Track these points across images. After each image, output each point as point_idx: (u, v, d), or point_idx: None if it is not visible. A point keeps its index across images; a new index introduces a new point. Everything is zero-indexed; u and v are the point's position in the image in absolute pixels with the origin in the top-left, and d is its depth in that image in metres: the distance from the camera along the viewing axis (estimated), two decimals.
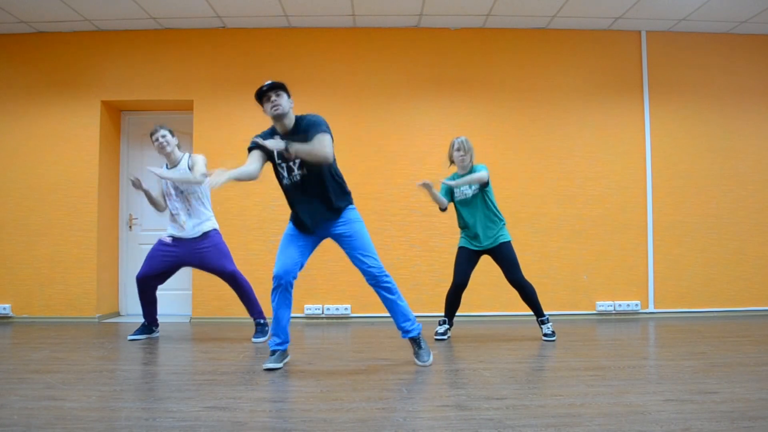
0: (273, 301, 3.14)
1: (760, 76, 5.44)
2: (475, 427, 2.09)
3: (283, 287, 3.11)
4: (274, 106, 3.02)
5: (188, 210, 3.97)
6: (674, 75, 5.39)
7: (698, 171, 5.36)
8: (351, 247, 3.17)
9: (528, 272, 4.79)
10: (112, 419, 2.20)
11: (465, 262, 4.00)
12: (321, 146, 2.91)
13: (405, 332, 3.24)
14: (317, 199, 3.10)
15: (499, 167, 5.22)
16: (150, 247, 5.35)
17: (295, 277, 3.14)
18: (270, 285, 4.98)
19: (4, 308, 5.08)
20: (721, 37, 5.44)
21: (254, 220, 5.13)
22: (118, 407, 2.37)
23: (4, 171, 5.19)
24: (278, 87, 3.04)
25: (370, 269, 3.13)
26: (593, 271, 5.25)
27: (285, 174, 3.09)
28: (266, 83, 3.05)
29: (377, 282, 3.16)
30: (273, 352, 3.16)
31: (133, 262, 5.54)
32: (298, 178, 3.07)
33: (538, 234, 5.22)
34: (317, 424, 2.15)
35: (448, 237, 5.17)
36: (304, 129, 3.03)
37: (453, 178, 3.99)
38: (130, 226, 5.60)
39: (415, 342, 3.24)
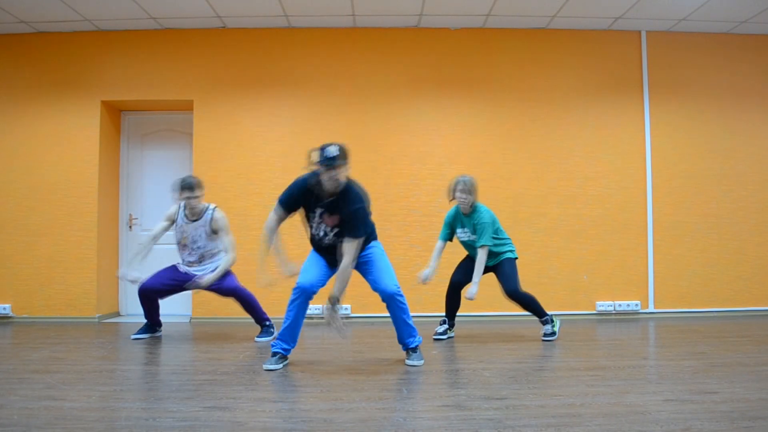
0: (291, 310, 3.14)
1: (760, 76, 5.43)
2: (475, 427, 2.09)
3: (303, 299, 3.13)
4: (332, 179, 2.92)
5: (202, 260, 4.10)
6: (674, 75, 5.39)
7: (698, 171, 5.35)
8: (368, 272, 3.21)
9: (528, 272, 4.81)
10: (112, 419, 2.20)
11: (465, 265, 4.08)
12: (348, 273, 3.01)
13: (405, 345, 3.27)
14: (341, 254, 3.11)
15: (499, 167, 5.23)
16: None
17: (316, 293, 3.16)
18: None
19: (4, 308, 5.08)
20: (721, 37, 5.43)
21: (255, 220, 5.12)
22: (118, 407, 2.37)
23: (4, 171, 5.19)
24: (345, 158, 2.93)
25: (386, 288, 3.12)
26: (593, 271, 5.25)
27: (321, 233, 3.14)
28: (332, 149, 2.86)
29: (392, 301, 3.15)
30: (275, 354, 3.16)
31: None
32: (331, 239, 3.12)
33: (538, 234, 5.22)
34: (317, 424, 2.15)
35: None
36: (342, 206, 2.99)
37: (454, 212, 4.05)
38: (130, 226, 5.60)
39: (412, 349, 3.26)
